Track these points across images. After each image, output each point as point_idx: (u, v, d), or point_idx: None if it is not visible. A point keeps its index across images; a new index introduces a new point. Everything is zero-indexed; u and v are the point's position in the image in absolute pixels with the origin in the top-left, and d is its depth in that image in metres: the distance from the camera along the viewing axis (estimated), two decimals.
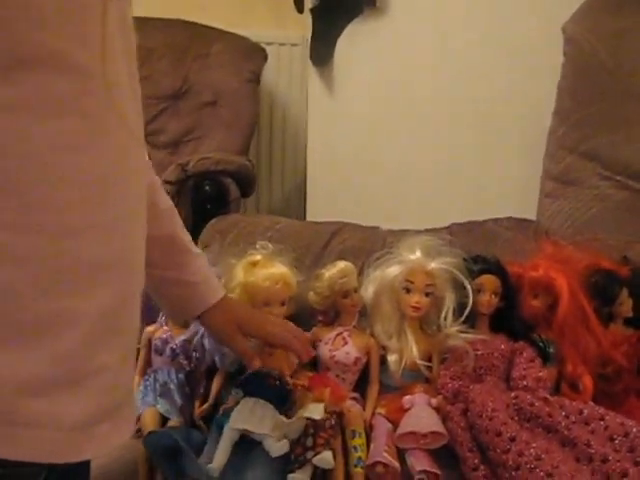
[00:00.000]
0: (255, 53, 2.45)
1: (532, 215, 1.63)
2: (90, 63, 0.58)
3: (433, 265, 1.20)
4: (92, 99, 0.59)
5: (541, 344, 1.19)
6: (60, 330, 0.57)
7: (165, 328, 1.22)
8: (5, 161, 0.54)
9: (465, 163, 1.88)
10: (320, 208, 2.10)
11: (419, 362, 1.18)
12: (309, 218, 2.13)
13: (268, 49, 2.46)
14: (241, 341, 1.05)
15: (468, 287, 1.18)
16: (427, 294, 1.19)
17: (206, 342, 1.18)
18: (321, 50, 2.06)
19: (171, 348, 1.20)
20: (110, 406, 0.63)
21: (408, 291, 1.20)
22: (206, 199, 2.05)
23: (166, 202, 0.95)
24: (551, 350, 1.18)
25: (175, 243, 0.96)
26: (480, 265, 1.22)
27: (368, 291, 1.24)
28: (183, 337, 1.20)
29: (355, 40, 2.00)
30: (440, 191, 1.90)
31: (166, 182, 1.97)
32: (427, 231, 1.39)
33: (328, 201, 2.09)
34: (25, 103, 0.55)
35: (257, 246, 1.26)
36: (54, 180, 0.57)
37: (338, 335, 1.22)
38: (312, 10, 2.04)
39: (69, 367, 0.58)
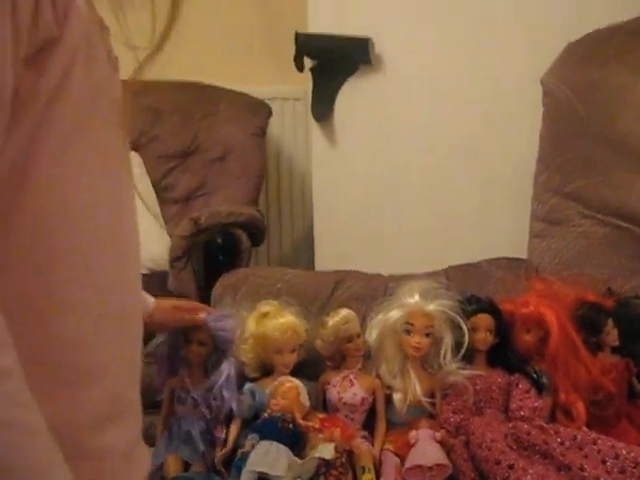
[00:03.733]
0: (260, 109, 2.52)
1: (524, 255, 1.70)
2: None
3: (431, 307, 1.26)
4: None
5: (535, 375, 1.25)
6: (110, 373, 0.65)
7: (187, 380, 1.27)
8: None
9: (462, 209, 1.94)
10: (328, 254, 2.15)
11: (422, 399, 1.24)
12: (317, 263, 2.18)
13: (271, 104, 2.51)
14: (185, 317, 1.23)
15: (464, 327, 1.25)
16: (427, 335, 1.26)
17: (225, 391, 1.23)
18: (321, 106, 2.16)
19: (192, 398, 1.24)
20: (140, 433, 0.71)
21: (409, 333, 1.26)
22: (218, 250, 2.06)
23: None
24: (545, 380, 1.25)
25: None
26: (474, 305, 1.30)
27: (372, 335, 1.30)
28: (204, 387, 1.24)
29: (353, 95, 2.08)
30: (439, 236, 1.96)
31: (179, 237, 2.03)
32: (425, 275, 1.46)
33: (335, 247, 2.14)
34: None
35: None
36: None
37: (345, 378, 1.28)
38: (312, 69, 2.14)
39: (115, 403, 0.65)
